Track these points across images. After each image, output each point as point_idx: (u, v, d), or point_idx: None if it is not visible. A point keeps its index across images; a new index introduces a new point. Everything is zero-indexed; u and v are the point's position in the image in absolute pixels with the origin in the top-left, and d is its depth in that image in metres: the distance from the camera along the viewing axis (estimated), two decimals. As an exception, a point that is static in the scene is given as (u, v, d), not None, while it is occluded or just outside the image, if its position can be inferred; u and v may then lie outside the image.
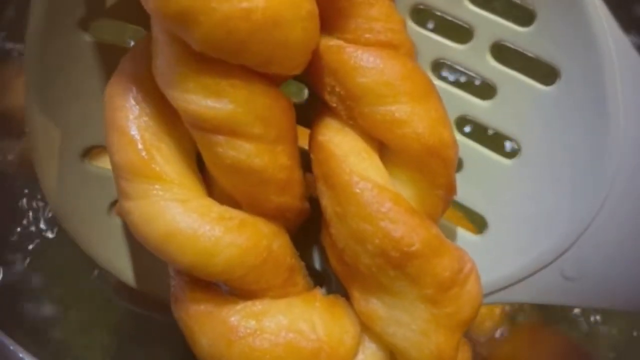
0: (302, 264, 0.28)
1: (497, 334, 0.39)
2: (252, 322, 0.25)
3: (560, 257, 0.27)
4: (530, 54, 0.27)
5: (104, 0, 0.28)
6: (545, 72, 0.28)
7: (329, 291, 0.30)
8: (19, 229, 0.42)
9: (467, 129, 0.30)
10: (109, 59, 0.28)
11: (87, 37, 0.28)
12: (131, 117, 0.25)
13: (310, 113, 0.28)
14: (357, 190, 0.24)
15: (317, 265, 0.30)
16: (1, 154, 0.42)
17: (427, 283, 0.24)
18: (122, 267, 0.30)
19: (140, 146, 0.25)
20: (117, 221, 0.30)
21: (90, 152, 0.30)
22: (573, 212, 0.26)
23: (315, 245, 0.30)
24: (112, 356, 0.40)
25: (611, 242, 0.26)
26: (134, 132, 0.25)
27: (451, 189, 0.27)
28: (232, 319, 0.25)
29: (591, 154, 0.26)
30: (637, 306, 0.27)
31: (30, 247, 0.42)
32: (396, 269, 0.24)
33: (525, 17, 0.27)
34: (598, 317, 0.42)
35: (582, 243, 0.26)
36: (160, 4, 0.21)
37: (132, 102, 0.25)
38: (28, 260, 0.42)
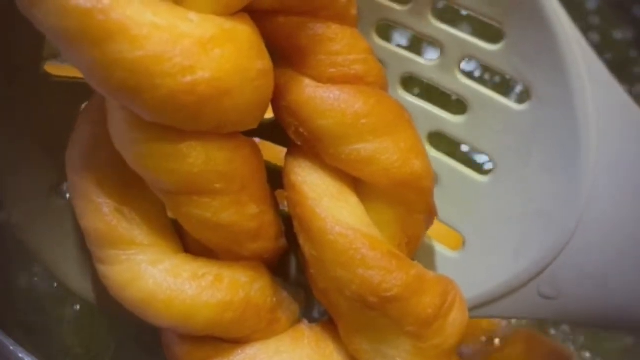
0: (285, 295, 0.28)
1: (491, 342, 0.39)
2: None
3: (536, 278, 0.26)
4: (500, 72, 0.26)
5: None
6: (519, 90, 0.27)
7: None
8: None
9: (441, 144, 0.29)
10: (71, 94, 0.27)
11: (42, 77, 0.27)
12: (94, 182, 0.24)
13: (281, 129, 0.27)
14: (332, 237, 0.24)
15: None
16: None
17: (410, 322, 0.24)
18: (102, 298, 0.30)
19: (106, 212, 0.24)
20: None
21: (58, 187, 0.29)
22: (548, 233, 0.26)
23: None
24: (112, 356, 0.41)
25: (587, 262, 0.25)
26: (99, 198, 0.24)
27: (431, 212, 0.26)
28: None
29: (565, 174, 0.25)
30: (614, 324, 0.27)
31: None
32: (376, 311, 0.24)
33: (495, 34, 0.26)
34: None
35: (558, 264, 0.26)
36: (102, 81, 0.20)
37: (93, 166, 0.24)
38: (26, 259, 0.42)
